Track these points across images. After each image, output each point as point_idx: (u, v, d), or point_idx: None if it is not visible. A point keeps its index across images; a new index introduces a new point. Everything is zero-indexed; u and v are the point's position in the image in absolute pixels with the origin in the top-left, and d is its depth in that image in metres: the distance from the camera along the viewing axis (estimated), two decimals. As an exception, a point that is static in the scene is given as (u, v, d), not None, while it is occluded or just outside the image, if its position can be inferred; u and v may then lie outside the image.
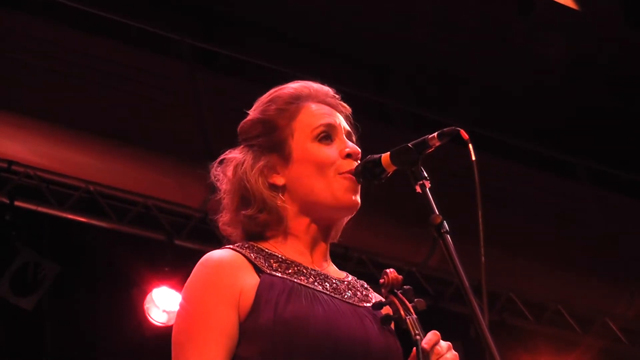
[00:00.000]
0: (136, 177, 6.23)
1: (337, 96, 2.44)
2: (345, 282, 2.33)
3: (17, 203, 6.09)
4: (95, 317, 6.52)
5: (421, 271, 7.11)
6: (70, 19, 6.49)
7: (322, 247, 2.35)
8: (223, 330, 2.15)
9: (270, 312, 2.13)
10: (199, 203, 6.22)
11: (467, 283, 2.04)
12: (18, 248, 6.08)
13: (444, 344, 2.11)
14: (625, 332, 7.89)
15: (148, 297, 6.24)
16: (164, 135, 6.23)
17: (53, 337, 6.50)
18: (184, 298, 2.24)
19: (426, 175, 2.19)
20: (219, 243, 2.43)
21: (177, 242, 6.44)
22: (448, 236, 2.11)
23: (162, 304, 6.23)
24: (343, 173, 2.31)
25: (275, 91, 2.43)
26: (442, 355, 2.09)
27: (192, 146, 6.23)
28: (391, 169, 2.27)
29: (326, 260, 2.36)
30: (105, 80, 6.20)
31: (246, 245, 2.29)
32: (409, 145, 2.22)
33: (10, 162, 6.02)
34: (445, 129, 2.20)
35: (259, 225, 2.31)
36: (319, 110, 2.38)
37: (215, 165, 2.41)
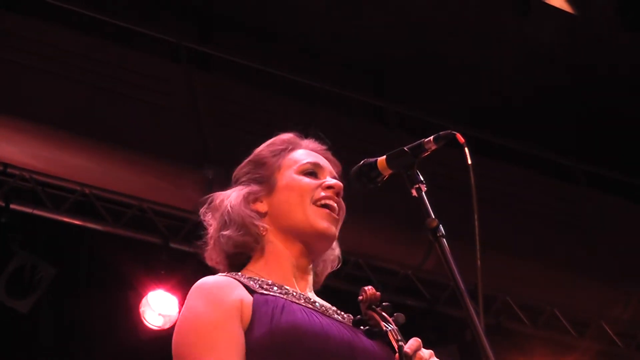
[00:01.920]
0: (132, 180, 6.22)
1: (329, 152, 2.53)
2: (332, 310, 2.38)
3: (12, 206, 6.08)
4: (91, 320, 6.50)
5: (417, 274, 7.11)
6: (67, 21, 6.48)
7: (305, 278, 2.40)
8: (235, 343, 2.16)
9: (266, 324, 2.17)
10: (194, 206, 6.21)
11: (462, 286, 2.04)
12: (14, 251, 6.07)
13: (425, 352, 2.11)
14: (621, 336, 7.89)
15: (144, 301, 6.22)
16: (160, 138, 6.23)
17: (49, 340, 6.49)
18: (186, 322, 2.21)
19: (422, 178, 2.20)
20: (214, 246, 2.44)
21: (172, 245, 6.43)
22: (444, 240, 2.11)
23: (158, 307, 6.21)
24: (321, 201, 2.37)
25: (272, 140, 2.54)
26: None
27: (188, 149, 6.23)
28: (387, 172, 2.27)
29: (309, 288, 2.41)
30: (101, 82, 6.20)
31: (235, 273, 2.35)
32: (405, 148, 2.23)
33: (6, 165, 6.01)
34: (441, 133, 2.21)
35: (237, 246, 2.38)
36: (309, 153, 2.49)
37: (205, 206, 2.51)
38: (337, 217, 2.39)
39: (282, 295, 2.26)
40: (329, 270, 2.49)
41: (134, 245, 6.44)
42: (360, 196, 2.37)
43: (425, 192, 2.18)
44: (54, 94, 6.02)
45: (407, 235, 6.56)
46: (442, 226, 2.12)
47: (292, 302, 2.26)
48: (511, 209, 7.38)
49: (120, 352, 6.27)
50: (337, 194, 2.40)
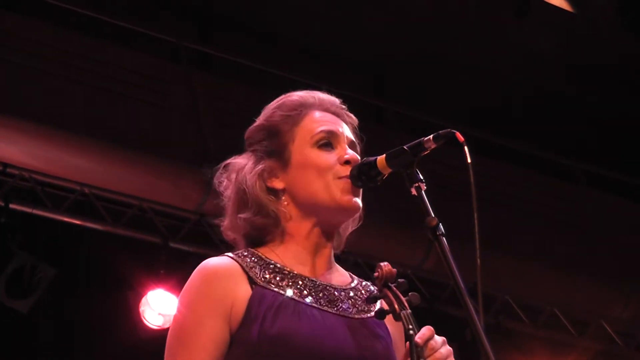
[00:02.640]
0: (132, 179, 6.22)
1: (343, 106, 2.45)
2: (346, 291, 2.32)
3: (12, 206, 6.08)
4: (90, 320, 6.50)
5: (417, 274, 7.11)
6: (66, 22, 6.48)
7: (325, 253, 2.34)
8: (213, 340, 2.17)
9: (256, 327, 2.15)
10: (194, 206, 6.22)
11: (462, 286, 2.04)
12: (13, 251, 6.07)
13: (438, 339, 2.10)
14: (621, 335, 7.89)
15: (143, 300, 6.23)
16: (160, 138, 6.23)
17: (49, 340, 6.49)
18: (178, 305, 2.27)
19: (422, 177, 2.19)
20: (214, 246, 2.44)
21: (172, 244, 6.43)
22: (444, 239, 2.10)
23: (158, 306, 6.21)
24: (341, 177, 2.31)
25: (282, 98, 2.43)
26: (436, 350, 2.07)
27: (188, 149, 6.23)
28: (387, 171, 2.26)
29: (330, 267, 2.35)
30: (101, 82, 6.20)
31: (245, 253, 2.29)
32: (405, 147, 2.22)
33: (5, 165, 6.01)
34: (440, 132, 2.20)
35: (255, 229, 2.31)
36: (322, 117, 2.38)
37: (220, 171, 2.44)
38: (358, 188, 2.31)
39: (283, 290, 2.22)
40: (350, 230, 2.41)
41: (133, 245, 6.45)
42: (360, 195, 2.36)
43: (425, 191, 2.17)
44: (53, 94, 6.02)
45: (407, 234, 6.56)
46: (442, 225, 2.11)
47: (292, 299, 2.21)
48: (511, 209, 7.38)
49: (120, 351, 6.27)
50: None
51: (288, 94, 2.44)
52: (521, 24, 7.23)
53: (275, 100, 2.44)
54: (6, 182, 6.07)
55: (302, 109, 2.38)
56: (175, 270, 6.15)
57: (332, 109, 2.42)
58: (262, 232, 2.32)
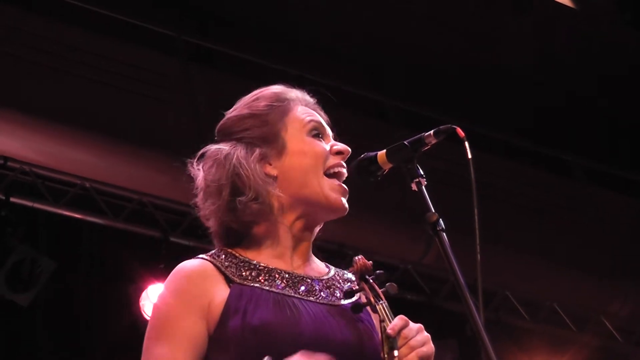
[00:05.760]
0: (132, 173, 6.23)
1: (317, 105, 2.46)
2: (323, 281, 2.31)
3: (12, 199, 6.09)
4: (90, 314, 6.51)
5: (417, 269, 7.12)
6: (66, 15, 6.48)
7: (304, 246, 2.33)
8: (190, 339, 2.17)
9: (238, 320, 2.14)
10: (194, 200, 6.22)
11: (462, 281, 2.04)
12: (14, 244, 6.08)
13: (413, 327, 2.09)
14: (620, 331, 7.90)
15: (144, 294, 6.23)
16: (160, 132, 6.23)
17: (48, 333, 6.50)
18: (154, 307, 2.28)
19: (422, 172, 2.19)
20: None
21: (172, 239, 6.43)
22: (444, 234, 2.11)
23: (158, 300, 6.21)
24: (333, 175, 2.31)
25: (260, 91, 2.44)
26: (412, 338, 2.06)
27: (188, 142, 6.22)
28: (387, 166, 2.27)
29: (307, 260, 2.34)
30: (101, 76, 6.20)
31: (219, 253, 2.29)
32: (405, 142, 2.23)
33: (6, 159, 6.01)
34: (441, 127, 2.21)
35: (251, 214, 2.28)
36: (307, 111, 2.40)
37: (196, 159, 2.44)
38: (347, 188, 2.32)
39: (261, 285, 2.21)
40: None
41: (134, 239, 6.45)
42: (361, 190, 2.36)
43: (425, 186, 2.17)
44: (54, 88, 6.02)
45: (407, 229, 6.57)
46: (442, 220, 2.12)
47: (270, 292, 2.20)
48: (511, 204, 7.39)
49: (120, 345, 6.27)
50: (345, 159, 2.34)
51: (262, 89, 2.44)
52: (520, 19, 7.23)
53: (250, 94, 2.44)
54: (7, 175, 6.07)
55: (287, 101, 2.39)
56: (175, 264, 6.13)
57: (310, 105, 2.44)
58: (258, 218, 2.29)
